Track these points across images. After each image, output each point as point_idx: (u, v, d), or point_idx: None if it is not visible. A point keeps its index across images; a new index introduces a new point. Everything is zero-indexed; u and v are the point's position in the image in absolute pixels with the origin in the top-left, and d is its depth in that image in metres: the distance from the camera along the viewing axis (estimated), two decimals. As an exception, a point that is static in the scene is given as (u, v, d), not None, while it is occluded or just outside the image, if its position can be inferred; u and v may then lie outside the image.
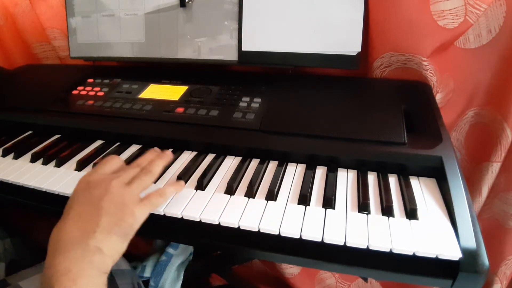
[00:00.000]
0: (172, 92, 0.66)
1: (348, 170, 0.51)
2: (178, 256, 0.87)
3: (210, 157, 0.56)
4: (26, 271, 0.58)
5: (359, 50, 0.61)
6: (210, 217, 0.43)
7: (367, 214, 0.42)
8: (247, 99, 0.61)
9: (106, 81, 0.73)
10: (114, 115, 0.62)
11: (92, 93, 0.69)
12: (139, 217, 0.40)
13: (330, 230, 0.40)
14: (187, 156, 0.56)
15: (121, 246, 0.39)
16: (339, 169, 0.51)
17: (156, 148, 0.52)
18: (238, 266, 1.01)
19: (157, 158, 0.48)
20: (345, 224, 0.40)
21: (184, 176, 0.50)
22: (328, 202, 0.44)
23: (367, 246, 0.38)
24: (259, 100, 0.60)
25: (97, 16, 0.76)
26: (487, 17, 0.57)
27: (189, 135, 0.57)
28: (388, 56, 0.63)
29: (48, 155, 0.57)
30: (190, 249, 0.90)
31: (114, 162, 0.46)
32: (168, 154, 0.49)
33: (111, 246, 0.38)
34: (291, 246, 0.41)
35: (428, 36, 0.58)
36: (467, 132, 0.69)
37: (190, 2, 0.69)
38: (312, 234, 0.39)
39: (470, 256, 0.36)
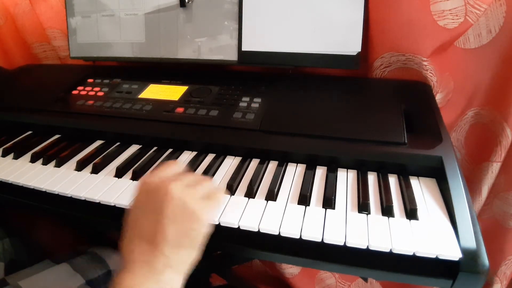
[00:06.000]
0: (172, 92, 0.66)
1: (348, 170, 0.51)
2: (178, 256, 0.87)
3: (210, 157, 0.56)
4: (26, 271, 0.58)
5: (359, 50, 0.61)
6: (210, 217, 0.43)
7: (367, 214, 0.42)
8: (247, 99, 0.61)
9: (106, 81, 0.73)
10: (114, 115, 0.62)
11: (92, 93, 0.69)
12: (207, 220, 0.37)
13: (330, 230, 0.40)
14: (187, 156, 0.56)
15: (192, 257, 0.36)
16: (339, 169, 0.51)
17: None
18: (238, 266, 1.01)
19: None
20: (345, 224, 0.40)
21: (184, 176, 0.50)
22: (328, 202, 0.44)
23: (367, 246, 0.38)
24: (259, 100, 0.60)
25: (97, 16, 0.76)
26: (487, 17, 0.57)
27: (189, 135, 0.57)
28: (388, 56, 0.63)
29: (48, 155, 0.57)
30: (190, 249, 0.90)
31: (174, 167, 0.42)
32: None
33: (181, 260, 0.35)
34: (291, 246, 0.41)
35: (428, 36, 0.58)
36: (467, 132, 0.69)
37: (190, 2, 0.69)
38: (312, 234, 0.39)
39: (470, 256, 0.36)
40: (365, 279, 0.89)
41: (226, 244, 0.44)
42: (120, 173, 0.52)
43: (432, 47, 0.59)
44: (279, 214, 0.42)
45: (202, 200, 0.37)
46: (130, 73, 0.75)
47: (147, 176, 0.40)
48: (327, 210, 0.43)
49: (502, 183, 0.68)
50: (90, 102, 0.66)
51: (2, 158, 0.60)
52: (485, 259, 0.36)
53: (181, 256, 0.35)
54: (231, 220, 0.42)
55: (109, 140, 0.62)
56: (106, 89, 0.70)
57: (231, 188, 0.47)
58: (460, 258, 0.36)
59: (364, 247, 0.38)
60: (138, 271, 0.33)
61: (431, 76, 0.61)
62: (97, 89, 0.70)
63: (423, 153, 0.47)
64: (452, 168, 0.44)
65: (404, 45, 0.60)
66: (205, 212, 0.36)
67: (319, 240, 0.39)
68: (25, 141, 0.65)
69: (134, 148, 0.59)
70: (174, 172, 0.41)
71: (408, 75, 0.63)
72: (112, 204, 0.47)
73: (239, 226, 0.42)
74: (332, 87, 0.63)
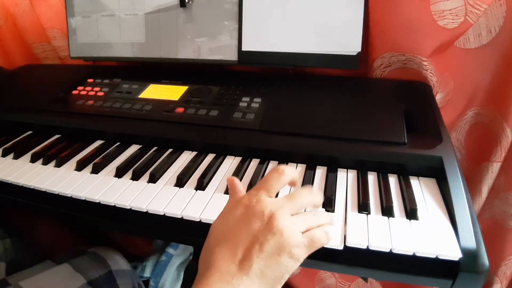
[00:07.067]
0: (172, 92, 0.66)
1: (348, 170, 0.51)
2: (178, 256, 0.88)
3: (210, 157, 0.56)
4: (27, 271, 0.58)
5: (359, 50, 0.61)
6: (210, 217, 0.43)
7: (367, 214, 0.42)
8: (247, 99, 0.61)
9: (106, 81, 0.73)
10: (114, 115, 0.62)
11: (92, 93, 0.69)
12: (298, 259, 0.34)
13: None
14: (187, 156, 0.56)
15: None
16: (339, 169, 0.51)
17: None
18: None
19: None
20: (345, 224, 0.40)
21: (184, 176, 0.50)
22: (328, 202, 0.44)
23: (367, 246, 0.38)
24: (259, 100, 0.60)
25: (97, 16, 0.76)
26: (487, 17, 0.57)
27: (189, 135, 0.57)
28: (388, 56, 0.63)
29: (48, 155, 0.57)
30: (190, 249, 0.90)
31: (285, 177, 0.38)
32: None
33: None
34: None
35: (428, 36, 0.58)
36: (467, 132, 0.69)
37: (190, 2, 0.69)
38: (312, 234, 0.39)
39: (470, 256, 0.36)
40: (365, 279, 0.89)
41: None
42: (120, 173, 0.52)
43: (432, 47, 0.59)
44: (279, 214, 0.42)
45: (300, 234, 0.34)
46: (130, 73, 0.75)
47: (251, 194, 0.37)
48: (327, 210, 0.43)
49: (502, 183, 0.68)
50: (90, 102, 0.66)
51: (2, 158, 0.60)
52: (485, 259, 0.36)
53: (264, 284, 0.33)
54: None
55: (109, 140, 0.62)
56: (106, 89, 0.70)
57: (231, 188, 0.47)
58: (460, 258, 0.36)
59: (364, 247, 0.38)
60: None
61: (431, 76, 0.61)
62: (97, 89, 0.70)
63: (423, 153, 0.47)
64: (452, 168, 0.44)
65: (404, 45, 0.60)
66: (298, 249, 0.34)
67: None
68: (25, 141, 0.65)
69: (134, 148, 0.59)
70: (281, 186, 0.38)
71: (408, 75, 0.63)
72: (112, 204, 0.47)
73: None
74: (332, 87, 0.63)
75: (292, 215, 0.35)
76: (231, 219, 0.36)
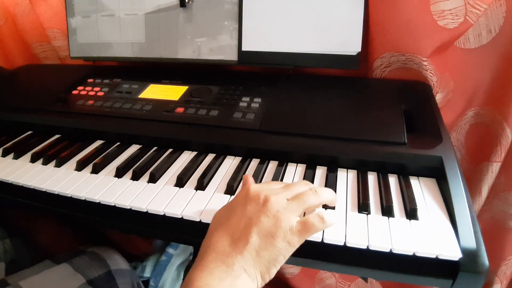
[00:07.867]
0: (172, 92, 0.66)
1: (348, 170, 0.51)
2: (178, 256, 0.88)
3: (210, 157, 0.56)
4: (26, 271, 0.58)
5: (359, 50, 0.61)
6: (210, 217, 0.42)
7: (367, 214, 0.42)
8: (247, 99, 0.61)
9: (106, 81, 0.73)
10: (114, 115, 0.62)
11: (92, 93, 0.69)
12: (292, 243, 0.35)
13: (330, 230, 0.39)
14: (187, 156, 0.56)
15: (268, 271, 0.35)
16: (339, 169, 0.51)
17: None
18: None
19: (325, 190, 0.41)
20: (345, 224, 0.40)
21: (184, 176, 0.50)
22: (328, 202, 0.44)
23: (367, 246, 0.38)
24: (259, 100, 0.60)
25: (97, 16, 0.76)
26: (487, 17, 0.57)
27: (189, 135, 0.57)
28: (388, 56, 0.63)
29: (48, 155, 0.57)
30: (190, 249, 0.90)
31: (281, 183, 0.42)
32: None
33: (257, 270, 0.34)
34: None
35: (428, 36, 0.58)
36: (467, 132, 0.69)
37: (190, 2, 0.69)
38: (312, 234, 0.39)
39: (470, 256, 0.36)
40: (365, 279, 0.89)
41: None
42: (120, 173, 0.52)
43: (432, 47, 0.59)
44: (279, 214, 0.42)
45: (296, 219, 0.36)
46: (130, 73, 0.75)
47: (253, 184, 0.40)
48: (327, 210, 0.43)
49: (502, 183, 0.68)
50: (90, 102, 0.66)
51: (2, 158, 0.60)
52: (485, 259, 0.36)
53: (258, 265, 0.34)
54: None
55: (109, 140, 0.62)
56: (106, 89, 0.70)
57: (231, 188, 0.47)
58: (460, 258, 0.36)
59: (364, 247, 0.38)
60: (216, 271, 0.33)
61: (431, 76, 0.61)
62: (97, 89, 0.70)
63: (423, 153, 0.47)
64: (452, 168, 0.44)
65: (404, 45, 0.60)
66: (293, 234, 0.35)
67: (319, 240, 0.39)
68: (25, 141, 0.65)
69: (134, 148, 0.59)
70: (280, 186, 0.40)
71: (408, 75, 0.63)
72: (112, 204, 0.47)
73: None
74: (332, 87, 0.63)
75: (288, 200, 0.37)
76: (232, 206, 0.39)
